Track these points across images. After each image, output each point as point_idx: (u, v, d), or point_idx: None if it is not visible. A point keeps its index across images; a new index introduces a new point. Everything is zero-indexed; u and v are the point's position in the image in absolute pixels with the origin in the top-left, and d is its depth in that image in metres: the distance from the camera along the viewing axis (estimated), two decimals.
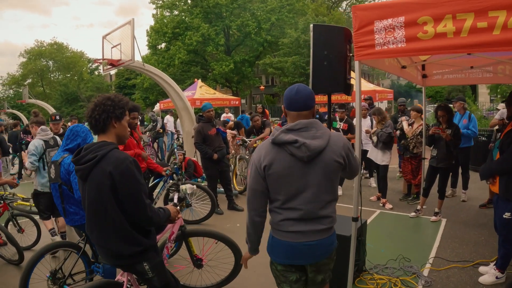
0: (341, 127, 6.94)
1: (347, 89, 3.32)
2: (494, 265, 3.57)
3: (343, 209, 5.83)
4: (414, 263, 3.89)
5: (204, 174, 6.67)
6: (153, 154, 11.63)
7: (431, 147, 5.41)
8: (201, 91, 14.10)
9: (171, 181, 4.87)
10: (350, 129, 6.92)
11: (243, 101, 29.16)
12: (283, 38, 26.98)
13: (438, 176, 5.33)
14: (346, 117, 7.08)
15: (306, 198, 1.97)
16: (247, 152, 7.89)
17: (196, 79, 17.16)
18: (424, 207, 5.59)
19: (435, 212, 5.34)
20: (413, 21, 2.53)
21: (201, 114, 6.24)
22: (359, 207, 3.04)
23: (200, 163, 6.78)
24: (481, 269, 3.70)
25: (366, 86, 13.22)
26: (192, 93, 13.61)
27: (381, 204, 6.12)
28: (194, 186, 3.37)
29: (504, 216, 3.27)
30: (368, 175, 7.89)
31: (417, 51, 2.58)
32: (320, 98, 12.51)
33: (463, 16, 2.36)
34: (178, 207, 2.86)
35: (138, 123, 5.37)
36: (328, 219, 2.03)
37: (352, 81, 3.25)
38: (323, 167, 1.96)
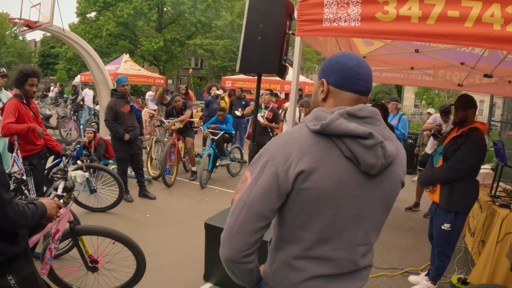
0: (266, 115, 6.49)
1: (281, 71, 2.89)
2: (425, 275, 3.42)
3: None
4: None
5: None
6: (76, 128, 10.67)
7: None
8: (126, 66, 13.21)
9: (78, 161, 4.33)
10: (274, 119, 6.59)
11: (170, 81, 28.24)
12: (217, 20, 26.35)
13: None
14: (271, 105, 6.71)
15: (350, 239, 1.18)
16: (167, 134, 7.35)
17: (125, 53, 16.16)
18: None
19: None
20: None
21: (114, 88, 5.50)
22: None
23: None
24: (411, 278, 3.54)
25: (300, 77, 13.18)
26: (115, 67, 12.73)
27: None
28: (86, 174, 2.67)
29: (442, 227, 3.07)
30: None
31: (373, 33, 2.19)
32: (248, 85, 12.16)
33: (432, 1, 2.02)
34: (62, 200, 2.28)
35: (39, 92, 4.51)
36: (369, 270, 1.27)
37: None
38: (387, 189, 1.21)
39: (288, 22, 2.81)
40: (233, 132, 7.24)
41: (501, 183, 3.69)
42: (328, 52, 3.63)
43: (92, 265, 2.73)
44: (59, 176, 2.47)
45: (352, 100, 1.18)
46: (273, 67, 2.77)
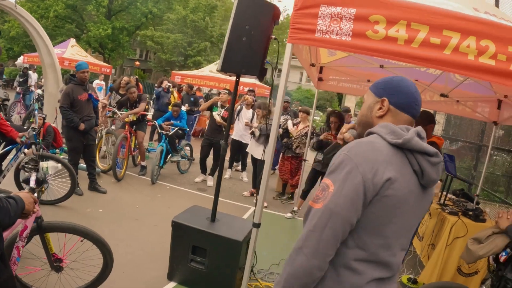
0: (222, 114, 6.51)
1: (262, 73, 2.97)
2: None
3: (226, 206, 5.47)
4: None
5: (64, 146, 5.60)
6: (20, 113, 9.97)
7: (317, 152, 5.46)
8: (72, 51, 12.52)
9: (25, 150, 3.95)
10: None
11: (113, 71, 26.97)
12: (169, 13, 25.78)
13: (320, 180, 5.40)
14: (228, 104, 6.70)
15: (402, 246, 1.30)
16: (113, 126, 7.18)
17: (72, 38, 15.32)
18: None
19: (293, 210, 5.43)
20: (364, 17, 2.27)
21: (73, 74, 5.19)
22: (261, 210, 2.58)
23: (60, 132, 5.67)
24: None
25: (247, 79, 13.30)
26: (62, 51, 11.96)
27: (255, 201, 5.88)
28: (59, 165, 2.50)
29: None
30: (240, 168, 7.80)
31: (362, 49, 2.30)
32: (198, 82, 12.10)
33: (418, 27, 2.20)
34: (36, 194, 2.15)
35: None
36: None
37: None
38: (429, 202, 1.35)
39: (272, 26, 2.87)
40: (187, 129, 7.16)
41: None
42: (302, 59, 3.74)
43: (56, 264, 2.57)
44: (30, 167, 2.28)
45: (407, 121, 1.32)
46: (255, 68, 2.84)
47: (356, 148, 1.21)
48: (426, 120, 3.29)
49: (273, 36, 2.90)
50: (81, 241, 2.60)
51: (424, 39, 2.18)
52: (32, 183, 2.20)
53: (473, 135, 7.03)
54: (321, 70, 5.30)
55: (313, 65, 4.25)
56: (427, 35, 2.18)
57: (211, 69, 12.91)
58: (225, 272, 2.89)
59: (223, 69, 2.86)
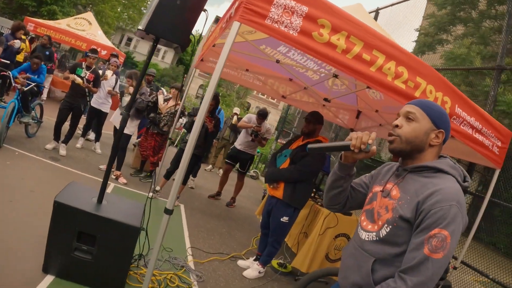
0: (87, 77, 5.66)
1: (185, 44, 2.71)
2: (254, 260, 3.86)
3: (84, 180, 4.84)
4: (177, 254, 3.58)
5: None
6: None
7: (187, 132, 5.38)
8: None
9: None
10: (95, 82, 5.79)
11: None
12: None
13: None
14: (94, 66, 5.88)
15: None
16: None
17: None
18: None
19: (155, 189, 5.22)
20: (314, 18, 2.32)
21: None
22: (175, 196, 2.35)
23: None
24: (240, 263, 3.89)
25: (108, 42, 11.92)
26: None
27: (114, 177, 5.41)
28: None
29: (282, 220, 3.55)
30: (92, 137, 7.03)
31: (305, 47, 2.33)
32: (53, 35, 10.14)
33: (355, 41, 2.39)
34: None
35: None
36: None
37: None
38: None
39: None
40: (44, 86, 5.87)
41: None
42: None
43: None
44: None
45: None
46: (181, 37, 2.58)
47: (461, 199, 1.32)
48: (317, 120, 3.65)
49: (206, 9, 2.68)
50: None
51: (358, 53, 2.39)
52: None
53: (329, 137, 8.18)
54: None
55: (214, 45, 4.06)
56: (360, 50, 2.40)
57: (69, 23, 11.02)
58: (116, 262, 2.49)
59: (147, 30, 2.46)
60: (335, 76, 3.98)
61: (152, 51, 2.76)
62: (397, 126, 1.45)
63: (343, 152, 1.52)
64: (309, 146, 1.54)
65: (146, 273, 2.32)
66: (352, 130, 5.32)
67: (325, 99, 4.21)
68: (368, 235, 1.44)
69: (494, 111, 4.76)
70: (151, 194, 5.14)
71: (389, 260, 1.36)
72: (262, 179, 10.26)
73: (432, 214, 1.26)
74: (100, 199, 2.64)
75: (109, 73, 6.43)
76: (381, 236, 1.38)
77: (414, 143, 1.42)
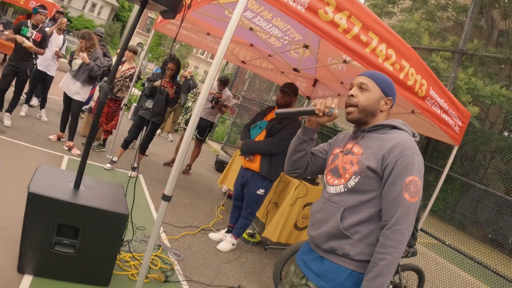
0: (33, 36, 4.88)
1: (175, 6, 2.43)
2: (226, 232, 3.90)
3: (34, 153, 4.42)
4: (150, 232, 3.41)
5: None
6: None
7: (147, 98, 5.00)
8: None
9: None
10: (42, 42, 5.10)
11: None
12: None
13: (145, 129, 5.05)
14: (41, 24, 5.06)
15: None
16: None
17: None
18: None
19: (133, 166, 4.91)
20: None
21: None
22: (174, 180, 2.23)
23: None
24: (212, 235, 3.89)
25: None
26: None
27: (66, 148, 4.94)
28: None
29: (257, 192, 3.58)
30: (36, 103, 6.44)
31: (309, 23, 2.27)
32: None
33: (355, 21, 2.39)
34: None
35: None
36: None
37: None
38: None
39: None
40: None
41: None
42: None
43: None
44: None
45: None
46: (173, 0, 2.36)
47: (417, 147, 1.53)
48: (293, 92, 3.63)
49: None
50: None
51: (356, 34, 2.41)
52: None
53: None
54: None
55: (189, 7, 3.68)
56: (359, 31, 2.42)
57: None
58: (103, 253, 2.29)
59: None
60: (306, 46, 3.94)
61: (140, 12, 2.40)
62: (352, 95, 1.62)
63: (307, 116, 1.65)
64: (277, 111, 1.69)
65: (141, 268, 2.19)
66: (308, 98, 5.41)
67: (295, 69, 4.16)
68: (335, 188, 1.59)
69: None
70: (108, 165, 4.78)
71: (357, 207, 1.52)
72: (210, 142, 10.10)
73: (399, 163, 1.45)
74: (77, 185, 2.34)
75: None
76: (350, 187, 1.54)
77: (368, 110, 1.61)
